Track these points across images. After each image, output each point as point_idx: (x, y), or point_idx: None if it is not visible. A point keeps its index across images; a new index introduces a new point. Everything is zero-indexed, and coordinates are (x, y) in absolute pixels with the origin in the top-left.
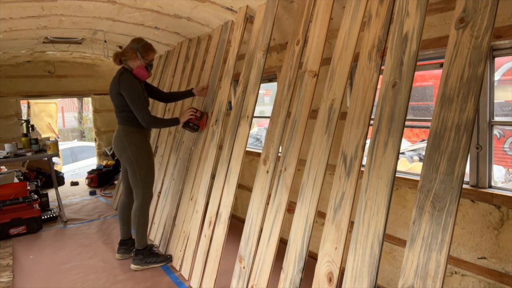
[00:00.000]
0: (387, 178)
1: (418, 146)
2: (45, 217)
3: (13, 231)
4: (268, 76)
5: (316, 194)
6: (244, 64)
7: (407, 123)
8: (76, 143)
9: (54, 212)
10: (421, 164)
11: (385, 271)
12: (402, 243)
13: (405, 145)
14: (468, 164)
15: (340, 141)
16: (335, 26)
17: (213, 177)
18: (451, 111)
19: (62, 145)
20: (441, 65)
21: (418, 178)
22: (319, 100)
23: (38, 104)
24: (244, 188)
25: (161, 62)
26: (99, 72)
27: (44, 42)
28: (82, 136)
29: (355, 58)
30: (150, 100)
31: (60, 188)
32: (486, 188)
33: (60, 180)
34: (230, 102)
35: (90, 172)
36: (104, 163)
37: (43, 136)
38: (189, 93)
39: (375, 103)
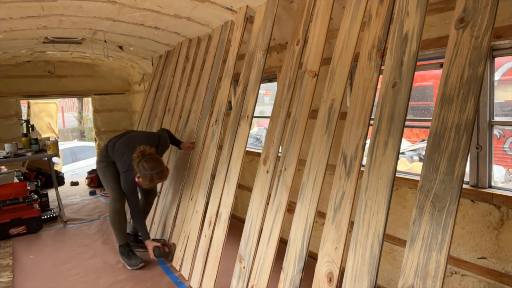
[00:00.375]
0: (387, 178)
1: (418, 146)
2: (45, 217)
3: (13, 231)
4: (268, 76)
5: (316, 194)
6: (244, 64)
7: (407, 123)
8: (76, 143)
9: (54, 212)
10: (421, 164)
11: (385, 271)
12: (402, 243)
13: (405, 145)
14: (468, 164)
15: (340, 141)
16: (335, 26)
17: (213, 177)
18: (451, 111)
19: (62, 145)
20: (441, 65)
21: (418, 178)
22: (319, 100)
23: (38, 104)
24: (244, 188)
25: (161, 62)
26: (99, 72)
27: (44, 42)
28: (82, 136)
29: (355, 58)
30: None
31: (60, 188)
32: (486, 188)
33: (60, 180)
34: (230, 102)
35: (90, 172)
36: None
37: (43, 136)
38: (177, 145)
39: (375, 103)
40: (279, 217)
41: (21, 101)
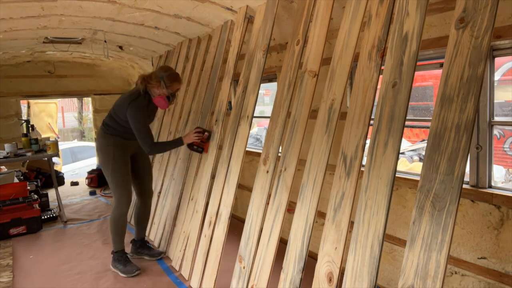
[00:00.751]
0: (387, 178)
1: (418, 146)
2: (45, 217)
3: (13, 231)
4: (268, 76)
5: (316, 194)
6: (244, 64)
7: (407, 123)
8: (76, 143)
9: (54, 212)
10: (421, 164)
11: (385, 271)
12: (402, 243)
13: (405, 145)
14: (468, 164)
15: (340, 141)
16: (335, 26)
17: (213, 177)
18: (451, 111)
19: (62, 145)
20: (441, 65)
21: (418, 178)
22: (319, 100)
23: (38, 104)
24: (244, 188)
25: (161, 62)
26: (99, 72)
27: (44, 42)
28: (82, 136)
29: (355, 58)
30: None
31: (60, 188)
32: (486, 188)
33: (60, 180)
34: (230, 102)
35: (90, 172)
36: None
37: (43, 136)
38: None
39: (375, 103)
40: (279, 217)
41: (21, 101)
